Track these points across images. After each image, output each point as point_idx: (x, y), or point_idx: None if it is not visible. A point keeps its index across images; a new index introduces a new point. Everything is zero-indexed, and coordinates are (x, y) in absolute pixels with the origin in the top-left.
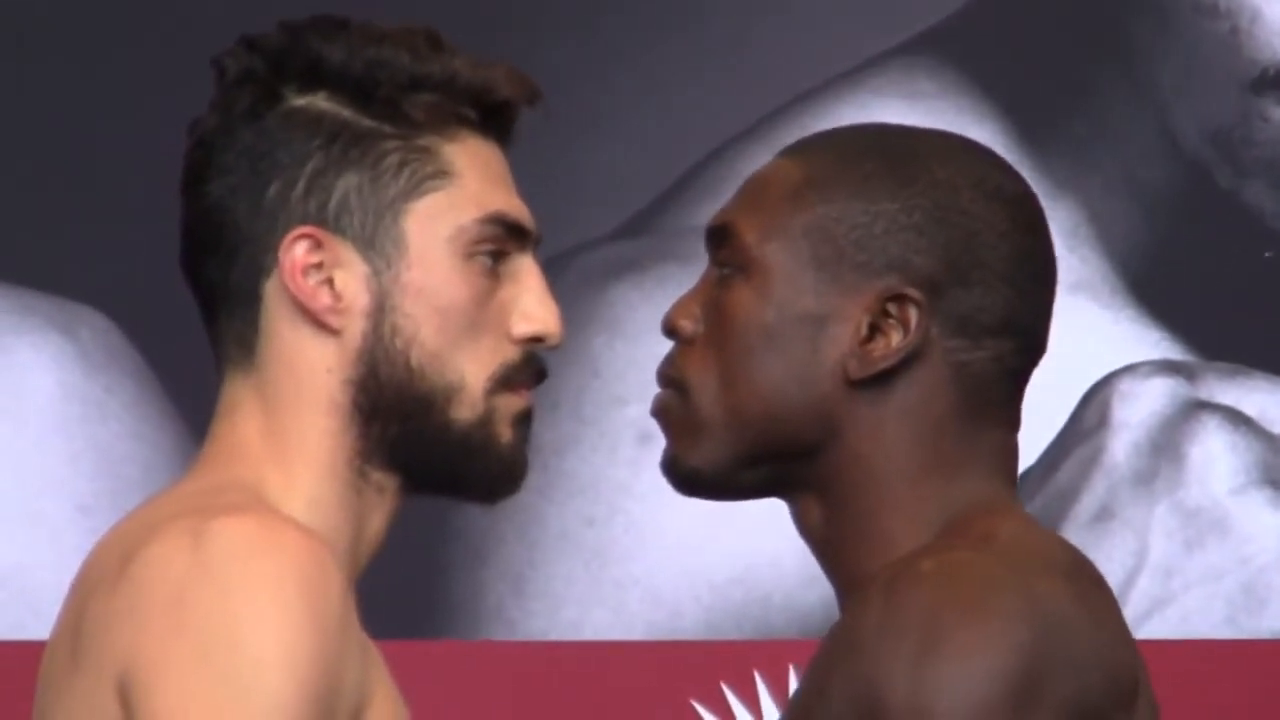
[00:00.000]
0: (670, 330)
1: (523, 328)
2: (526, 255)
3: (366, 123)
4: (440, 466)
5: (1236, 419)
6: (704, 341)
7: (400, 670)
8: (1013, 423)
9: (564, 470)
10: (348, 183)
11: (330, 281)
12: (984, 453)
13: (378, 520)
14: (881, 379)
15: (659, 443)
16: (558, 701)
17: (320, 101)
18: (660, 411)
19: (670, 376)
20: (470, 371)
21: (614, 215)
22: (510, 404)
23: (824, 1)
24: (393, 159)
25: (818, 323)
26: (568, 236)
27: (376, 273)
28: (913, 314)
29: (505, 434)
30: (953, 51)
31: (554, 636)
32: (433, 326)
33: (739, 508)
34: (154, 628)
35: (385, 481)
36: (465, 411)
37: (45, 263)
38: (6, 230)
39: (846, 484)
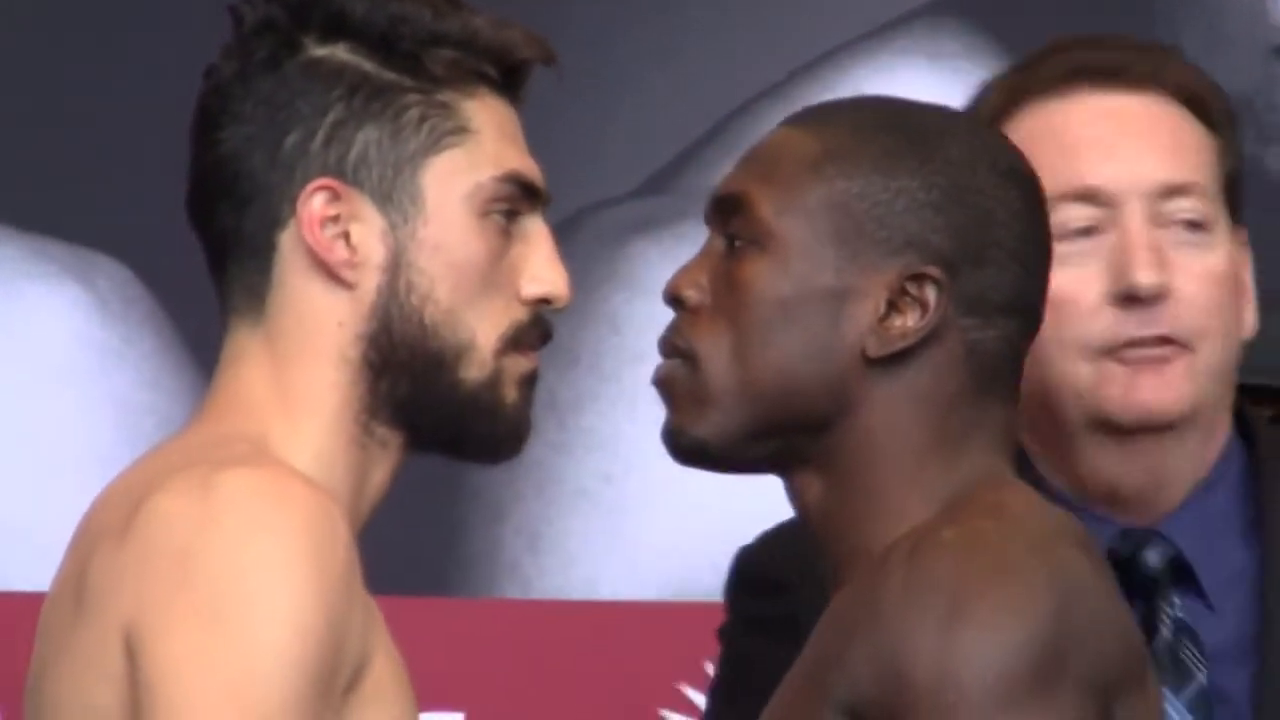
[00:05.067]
0: (674, 299)
1: (532, 288)
2: (537, 216)
3: (388, 76)
4: (447, 424)
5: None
6: (712, 312)
7: (416, 626)
8: (1014, 398)
9: (582, 427)
10: (368, 136)
11: (347, 235)
12: (988, 428)
13: (380, 475)
14: (897, 357)
15: None
16: (571, 659)
17: (341, 53)
18: (665, 381)
19: (676, 346)
20: (481, 331)
21: (635, 173)
22: (517, 365)
23: None
24: (413, 113)
25: (837, 299)
26: (588, 194)
27: (393, 227)
28: (931, 293)
29: (511, 394)
30: (977, 13)
31: (569, 594)
32: (448, 284)
33: None
34: (161, 580)
35: (389, 437)
36: (475, 371)
37: (64, 211)
38: (25, 178)
39: (854, 459)
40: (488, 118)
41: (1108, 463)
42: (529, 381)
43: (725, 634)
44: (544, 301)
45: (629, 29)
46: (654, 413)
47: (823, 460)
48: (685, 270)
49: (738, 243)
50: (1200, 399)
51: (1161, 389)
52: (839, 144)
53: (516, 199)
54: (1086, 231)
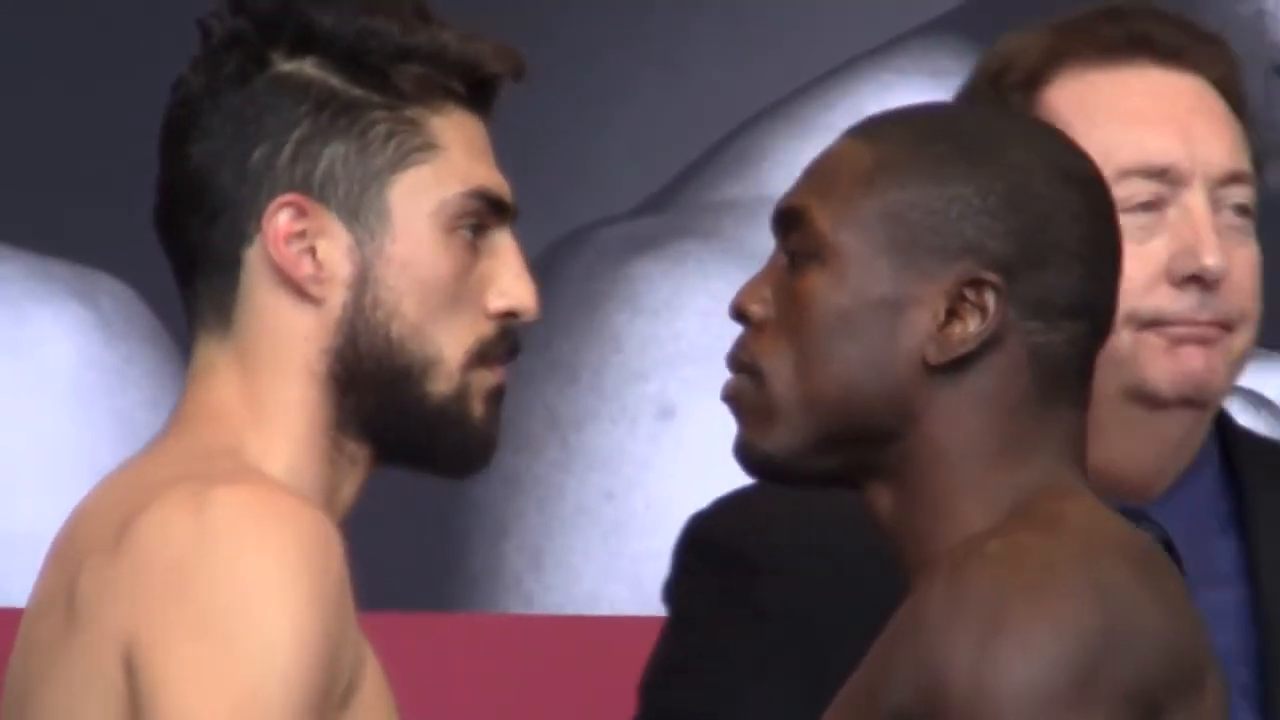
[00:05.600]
0: (740, 315)
1: (499, 303)
2: (505, 230)
3: (355, 91)
4: (414, 439)
5: (1258, 401)
6: (776, 326)
7: (417, 642)
8: (1083, 403)
9: (583, 444)
10: (334, 151)
11: (313, 250)
12: (1055, 434)
13: (348, 489)
14: (958, 364)
15: (679, 417)
16: (573, 676)
17: (309, 68)
18: (733, 396)
19: (743, 361)
20: (448, 345)
21: (635, 192)
22: (484, 379)
23: None
24: (380, 129)
25: (895, 308)
26: (590, 212)
27: (360, 243)
28: (990, 298)
29: (478, 409)
30: (976, 30)
31: (571, 610)
32: (414, 299)
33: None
34: (158, 595)
35: (358, 452)
36: (441, 385)
37: (66, 230)
38: (28, 197)
39: (919, 468)
40: (455, 134)
41: (1128, 437)
42: (496, 396)
43: (678, 600)
44: (511, 315)
45: (630, 48)
46: (654, 429)
47: (891, 470)
48: (750, 285)
49: (797, 257)
50: (1231, 382)
51: (1209, 366)
52: (892, 154)
53: (484, 214)
54: (1148, 206)
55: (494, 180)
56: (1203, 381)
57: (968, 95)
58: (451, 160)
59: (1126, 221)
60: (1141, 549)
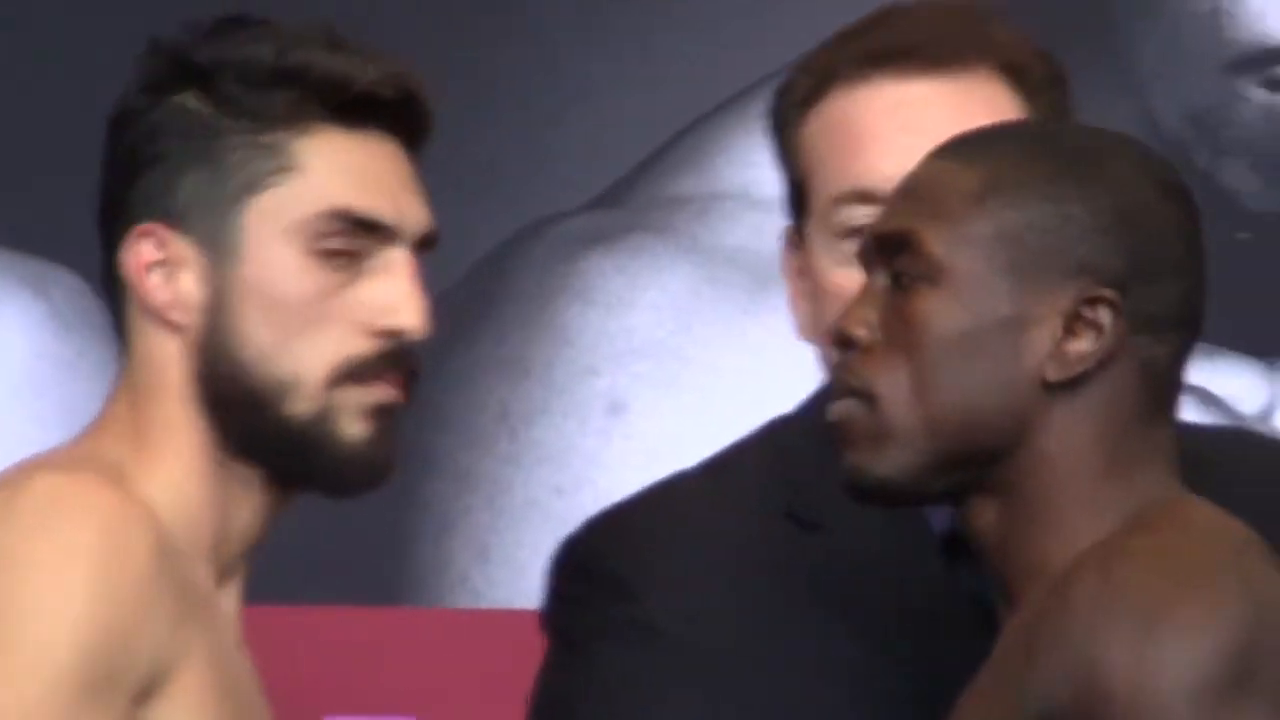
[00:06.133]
0: (844, 339)
1: (382, 321)
2: (395, 249)
3: (219, 121)
4: (287, 460)
5: (1207, 400)
6: (886, 349)
7: (365, 637)
8: (1176, 413)
9: (533, 439)
10: (194, 179)
11: (174, 278)
12: (1161, 445)
13: (246, 513)
14: (1075, 381)
15: (628, 413)
16: (520, 670)
17: (190, 100)
18: (844, 422)
19: (853, 386)
20: (307, 366)
21: (588, 187)
22: (357, 397)
23: None
24: (235, 155)
25: (1014, 328)
26: (542, 207)
27: (215, 267)
28: (1106, 315)
29: (351, 428)
30: None
31: (519, 605)
32: (266, 322)
33: None
34: None
35: (248, 474)
36: (301, 406)
37: (18, 221)
38: None
39: (1032, 483)
40: (321, 155)
41: None
42: (379, 413)
43: (562, 628)
44: (393, 333)
45: (585, 47)
46: (604, 425)
47: (999, 485)
48: (852, 309)
49: (905, 279)
50: None
51: None
52: (1001, 174)
53: (350, 233)
54: (854, 231)
55: (363, 200)
56: None
57: (768, 115)
58: (310, 181)
59: (847, 246)
60: (1264, 546)
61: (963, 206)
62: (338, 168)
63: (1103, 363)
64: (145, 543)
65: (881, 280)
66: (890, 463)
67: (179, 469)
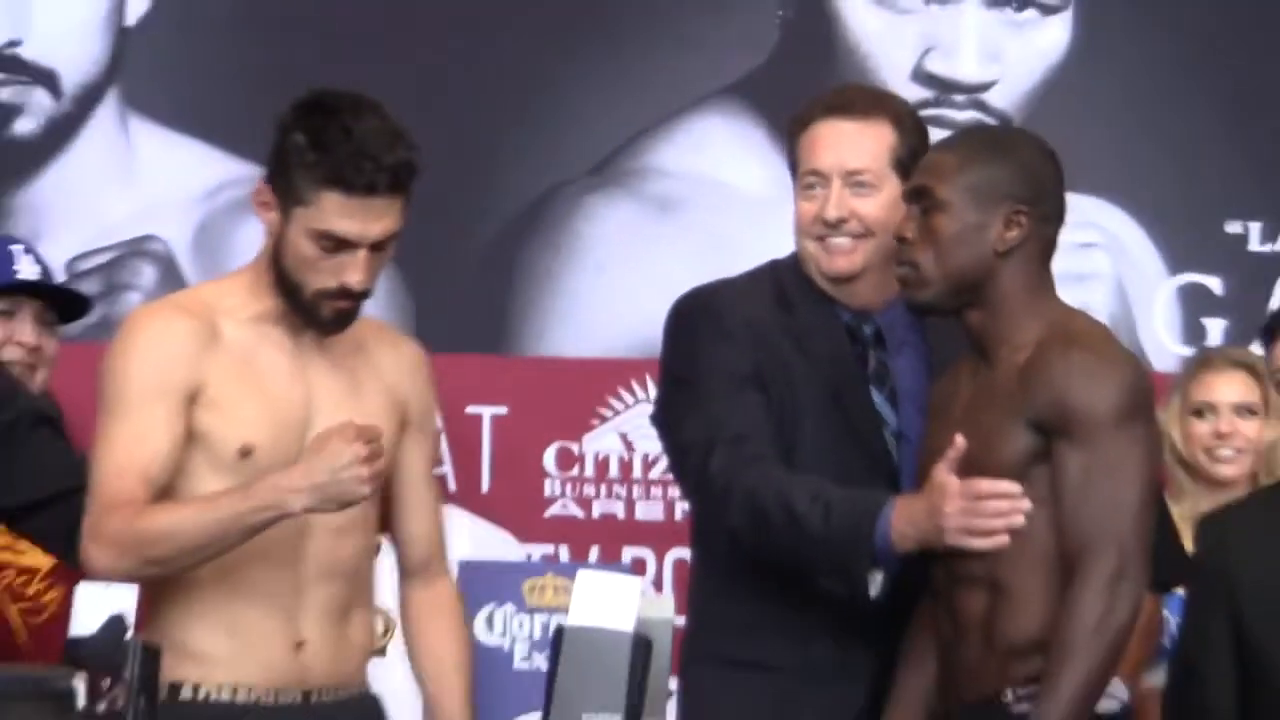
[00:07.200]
0: (900, 238)
1: (338, 278)
2: (357, 249)
3: (303, 157)
4: (303, 315)
5: None
6: (920, 243)
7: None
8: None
9: None
10: (283, 175)
11: (269, 211)
12: (1050, 282)
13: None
14: (1011, 251)
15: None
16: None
17: (299, 138)
18: (904, 277)
19: (906, 260)
20: (307, 285)
21: (587, 159)
22: (330, 304)
23: None
24: (298, 177)
25: (980, 228)
26: (551, 176)
27: (282, 221)
28: (1024, 219)
29: (325, 311)
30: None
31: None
32: (295, 259)
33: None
34: None
35: (282, 307)
36: (306, 296)
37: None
38: None
39: (997, 303)
40: (327, 199)
41: (834, 288)
42: (341, 310)
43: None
44: (344, 287)
45: (586, 38)
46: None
47: (980, 305)
48: (903, 224)
49: (926, 209)
50: (868, 263)
51: (845, 260)
52: (966, 155)
53: (332, 240)
54: (817, 186)
55: (341, 226)
56: (844, 269)
57: (788, 127)
58: (316, 213)
59: (807, 193)
60: None
61: (950, 172)
62: (333, 208)
63: (1023, 242)
64: (177, 322)
65: (915, 211)
66: (927, 295)
67: (254, 295)
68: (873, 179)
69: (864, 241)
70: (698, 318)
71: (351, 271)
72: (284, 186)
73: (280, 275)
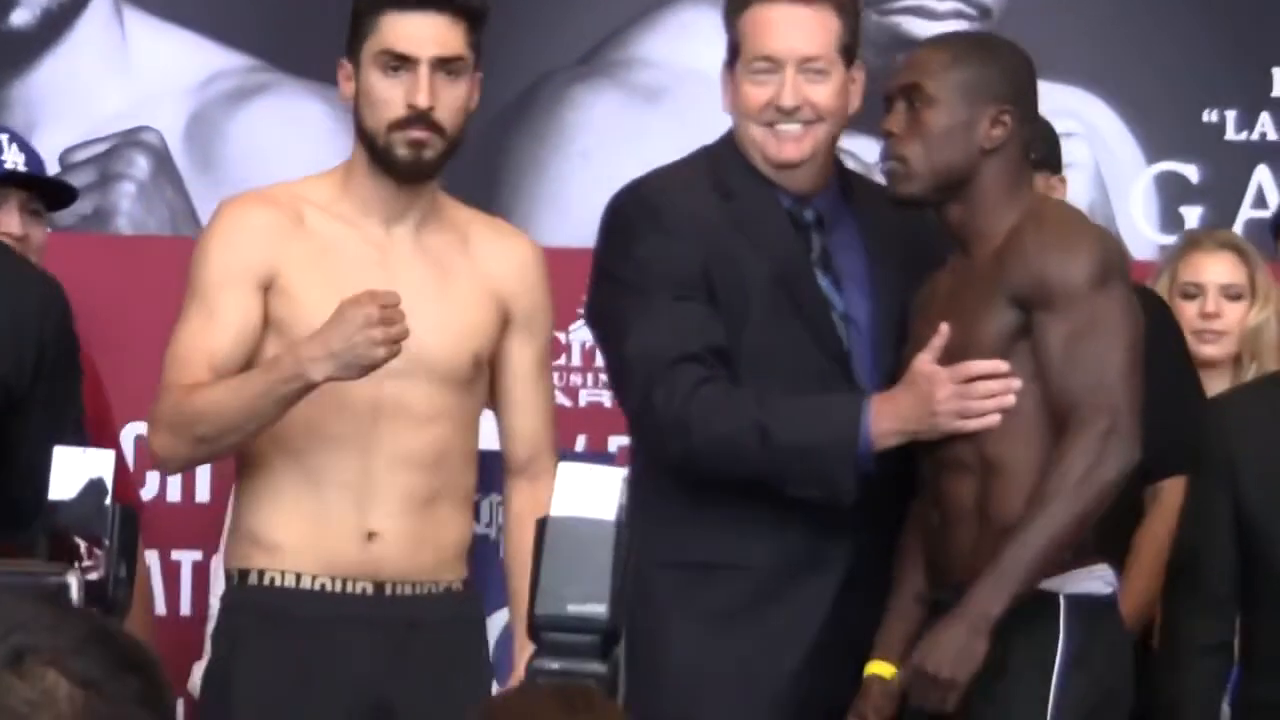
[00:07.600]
0: (888, 133)
1: (409, 100)
2: (417, 68)
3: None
4: (382, 165)
5: None
6: (908, 136)
7: None
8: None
9: None
10: (359, 41)
11: (349, 81)
12: (1025, 174)
13: (384, 192)
14: (996, 148)
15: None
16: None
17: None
18: (891, 171)
19: (895, 154)
20: (375, 124)
21: (574, 49)
22: (404, 136)
23: None
24: (365, 25)
25: (968, 125)
26: (538, 66)
27: (355, 77)
28: (1007, 118)
29: (400, 150)
30: None
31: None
32: (367, 103)
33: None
34: None
35: (378, 175)
36: (380, 140)
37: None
38: None
39: (980, 197)
40: (384, 23)
41: (778, 174)
42: (415, 143)
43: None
44: (412, 109)
45: None
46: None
47: (964, 198)
48: (891, 117)
49: (916, 104)
50: (816, 150)
51: (795, 147)
52: (956, 54)
53: (393, 56)
54: (769, 71)
55: (399, 41)
56: (795, 155)
57: (726, 5)
58: (376, 38)
59: (755, 78)
60: None
61: (941, 69)
62: (389, 29)
63: (1006, 140)
64: (256, 211)
65: (902, 105)
66: (912, 188)
67: (345, 189)
68: (825, 65)
69: (814, 128)
70: (636, 214)
71: (416, 91)
72: (354, 41)
73: (361, 132)
